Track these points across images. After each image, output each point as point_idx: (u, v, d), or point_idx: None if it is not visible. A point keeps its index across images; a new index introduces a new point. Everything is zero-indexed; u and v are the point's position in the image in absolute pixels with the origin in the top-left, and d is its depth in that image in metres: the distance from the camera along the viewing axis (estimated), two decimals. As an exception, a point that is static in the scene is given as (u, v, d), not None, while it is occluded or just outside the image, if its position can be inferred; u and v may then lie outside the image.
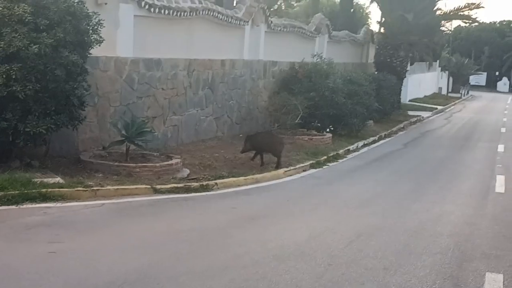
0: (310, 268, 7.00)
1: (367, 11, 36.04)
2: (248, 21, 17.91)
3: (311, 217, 9.68)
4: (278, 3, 32.44)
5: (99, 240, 7.63)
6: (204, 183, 11.10)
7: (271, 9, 26.95)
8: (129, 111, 13.13)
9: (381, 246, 8.07)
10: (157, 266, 6.76)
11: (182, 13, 14.57)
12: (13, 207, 8.80)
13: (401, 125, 24.89)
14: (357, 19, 33.68)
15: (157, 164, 11.58)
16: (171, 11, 14.14)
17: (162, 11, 13.86)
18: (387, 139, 20.97)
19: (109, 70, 12.78)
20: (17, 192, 9.03)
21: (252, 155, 13.45)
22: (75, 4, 10.64)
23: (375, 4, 29.80)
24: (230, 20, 16.90)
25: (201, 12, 15.38)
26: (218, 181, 11.39)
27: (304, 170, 13.66)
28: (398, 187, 12.66)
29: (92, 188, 9.78)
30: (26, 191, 9.10)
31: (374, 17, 72.43)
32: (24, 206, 8.88)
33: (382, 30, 29.81)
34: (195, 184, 10.97)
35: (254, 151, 13.47)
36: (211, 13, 15.88)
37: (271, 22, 19.47)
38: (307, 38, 22.55)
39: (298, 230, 8.74)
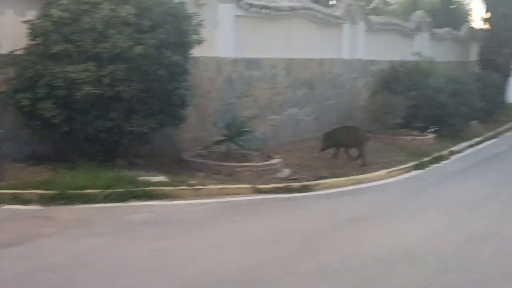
0: (420, 273, 6.69)
1: (468, 8, 34.72)
2: (346, 20, 17.63)
3: (417, 219, 9.31)
4: (376, 1, 31.85)
5: (204, 239, 7.62)
6: (305, 183, 10.95)
7: (369, 7, 26.47)
8: (229, 110, 13.17)
9: (494, 251, 7.65)
10: (262, 266, 6.66)
11: (281, 13, 14.49)
12: (120, 204, 8.96)
13: (507, 126, 23.80)
14: (458, 16, 32.53)
15: (258, 164, 11.54)
16: (270, 11, 14.09)
17: (262, 10, 13.83)
18: (493, 140, 20.03)
19: (209, 70, 12.86)
20: (123, 190, 9.20)
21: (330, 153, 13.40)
22: (177, 5, 10.75)
23: (477, 0, 28.75)
24: (328, 18, 16.69)
25: (299, 11, 15.25)
26: (319, 181, 11.20)
27: (407, 172, 13.23)
28: (507, 190, 12.04)
29: (195, 187, 9.84)
30: (131, 189, 9.26)
31: (477, 13, 69.96)
32: (130, 203, 9.03)
33: (485, 27, 28.66)
34: (296, 185, 10.83)
35: (334, 147, 13.32)
36: (310, 12, 15.72)
37: (370, 20, 19.10)
38: (407, 36, 21.98)
39: (404, 233, 8.44)
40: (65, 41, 10.05)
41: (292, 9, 14.84)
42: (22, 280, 5.92)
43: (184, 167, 11.25)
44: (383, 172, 12.63)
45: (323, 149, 13.37)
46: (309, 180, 11.19)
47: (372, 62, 19.39)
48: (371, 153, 13.69)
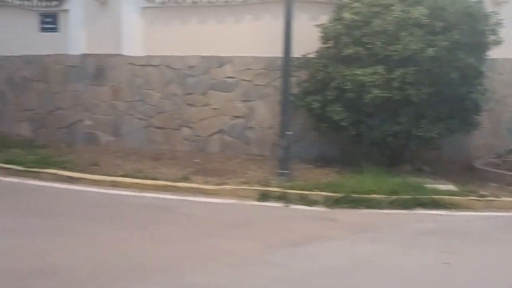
0: None
1: None
2: None
3: None
4: None
5: (495, 254, 7.00)
6: None
7: None
8: (526, 117, 12.12)
9: None
10: None
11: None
12: (404, 211, 8.72)
13: None
14: None
15: (556, 177, 10.41)
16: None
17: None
18: None
19: (505, 73, 12.00)
20: (409, 196, 8.94)
21: None
22: (473, 4, 10.16)
23: None
24: None
25: None
26: None
27: None
28: None
29: (486, 198, 9.17)
30: (417, 196, 8.95)
31: None
32: (415, 211, 8.73)
33: None
34: None
35: None
36: None
37: None
38: None
39: None
40: (355, 44, 10.10)
41: None
42: (309, 279, 5.97)
43: (475, 176, 10.61)
44: None
45: None
46: None
47: None
48: None
